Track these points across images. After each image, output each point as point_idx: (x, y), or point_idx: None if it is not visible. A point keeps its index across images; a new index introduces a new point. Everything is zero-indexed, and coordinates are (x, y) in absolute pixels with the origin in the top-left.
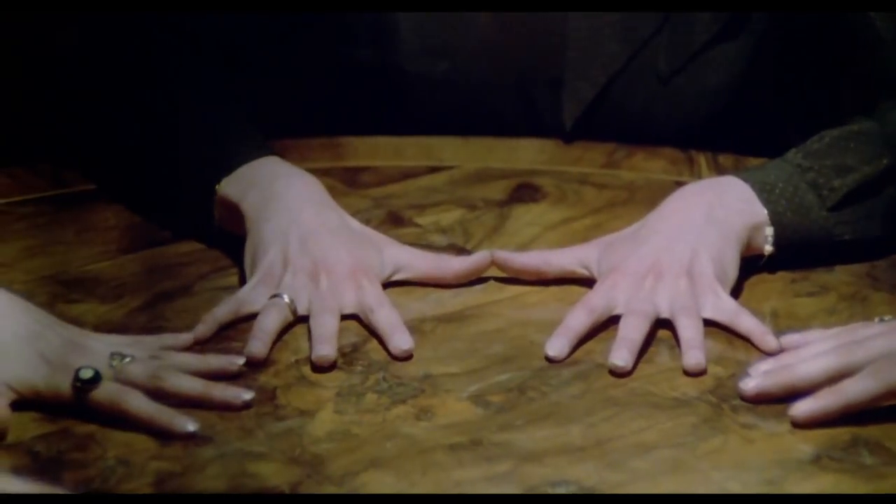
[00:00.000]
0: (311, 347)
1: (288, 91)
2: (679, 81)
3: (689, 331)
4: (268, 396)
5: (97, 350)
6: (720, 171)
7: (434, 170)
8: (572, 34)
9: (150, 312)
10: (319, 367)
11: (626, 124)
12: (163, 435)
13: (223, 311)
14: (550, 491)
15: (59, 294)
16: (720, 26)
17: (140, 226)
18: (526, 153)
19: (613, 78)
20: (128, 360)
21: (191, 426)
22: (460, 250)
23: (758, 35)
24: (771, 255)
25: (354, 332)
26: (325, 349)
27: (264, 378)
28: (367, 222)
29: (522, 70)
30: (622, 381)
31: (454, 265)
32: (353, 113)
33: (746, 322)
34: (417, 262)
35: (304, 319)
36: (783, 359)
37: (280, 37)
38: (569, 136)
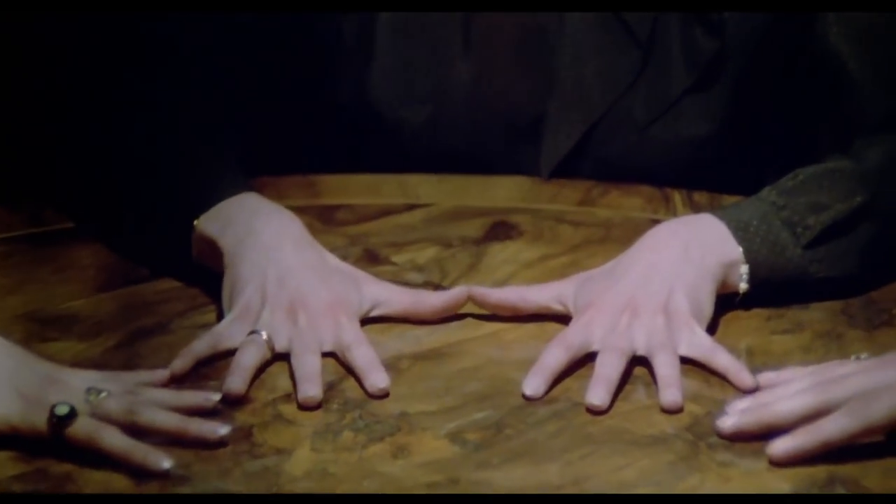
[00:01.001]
0: (295, 387)
1: (267, 129)
2: (656, 130)
3: (666, 368)
4: (244, 435)
5: (73, 385)
6: (695, 208)
7: (410, 207)
8: (552, 83)
9: (128, 350)
10: (306, 407)
11: (604, 171)
12: (139, 473)
13: (200, 346)
14: None
15: (35, 332)
16: (697, 76)
17: (117, 263)
18: (502, 191)
19: (592, 126)
20: (104, 395)
21: (166, 463)
22: (436, 288)
23: (733, 83)
24: (746, 293)
25: (331, 369)
26: (312, 389)
27: (241, 416)
28: (343, 260)
29: (503, 118)
30: (599, 418)
31: (431, 301)
32: (332, 153)
33: (722, 359)
34: (395, 298)
35: (281, 357)
36: (760, 397)
37: (262, 76)
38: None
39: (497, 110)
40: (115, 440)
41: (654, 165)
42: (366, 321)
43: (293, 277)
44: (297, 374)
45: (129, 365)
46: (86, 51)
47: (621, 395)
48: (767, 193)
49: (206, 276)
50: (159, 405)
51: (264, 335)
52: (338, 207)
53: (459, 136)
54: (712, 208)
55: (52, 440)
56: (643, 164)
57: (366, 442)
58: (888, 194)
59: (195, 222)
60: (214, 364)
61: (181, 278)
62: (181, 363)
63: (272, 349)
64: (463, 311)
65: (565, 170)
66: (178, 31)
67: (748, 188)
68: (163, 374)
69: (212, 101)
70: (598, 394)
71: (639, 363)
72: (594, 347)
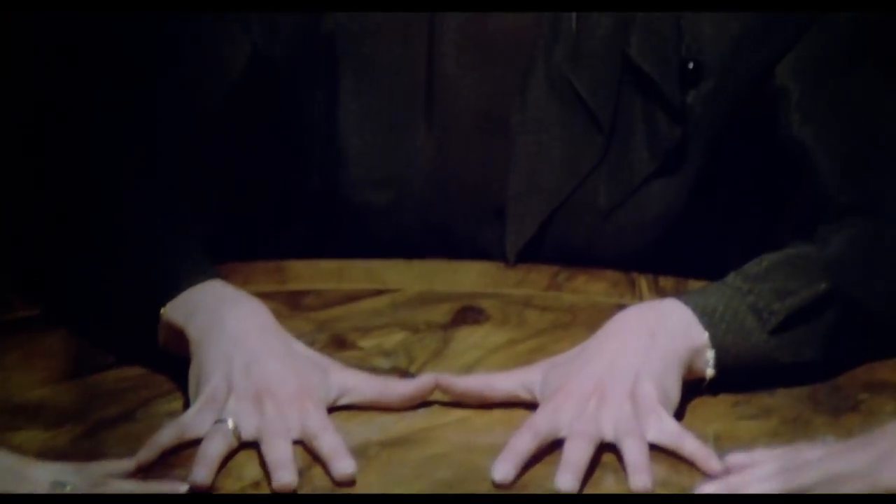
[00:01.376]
0: (266, 474)
1: (233, 214)
2: (620, 215)
3: (635, 454)
4: None
5: (39, 479)
6: (661, 293)
7: (377, 293)
8: (514, 167)
9: (93, 439)
10: (280, 494)
11: (569, 254)
12: None
13: (166, 436)
14: None
15: (2, 421)
16: (659, 162)
17: (84, 350)
18: (469, 276)
19: (555, 211)
20: (69, 488)
21: None
22: (404, 373)
23: (697, 168)
24: (713, 378)
25: (299, 457)
26: (286, 476)
27: None
28: (310, 345)
29: (466, 202)
30: None
31: (399, 390)
32: (298, 237)
33: (690, 445)
34: (362, 385)
35: (248, 445)
36: (730, 481)
37: (227, 162)
38: (513, 264)
39: (460, 193)
40: None
41: (619, 249)
42: (332, 408)
43: (259, 365)
44: (270, 461)
45: (94, 454)
46: (55, 136)
47: (590, 482)
48: (733, 279)
49: (173, 363)
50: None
51: (230, 424)
52: (305, 293)
53: (424, 219)
54: (678, 293)
55: None
56: (608, 248)
57: None
58: (852, 281)
59: (161, 311)
60: (180, 453)
61: (147, 365)
62: (146, 454)
63: (239, 438)
64: (431, 397)
65: (531, 253)
66: (144, 118)
67: (713, 271)
68: (128, 464)
69: (177, 187)
70: (566, 479)
71: (607, 450)
72: (562, 433)
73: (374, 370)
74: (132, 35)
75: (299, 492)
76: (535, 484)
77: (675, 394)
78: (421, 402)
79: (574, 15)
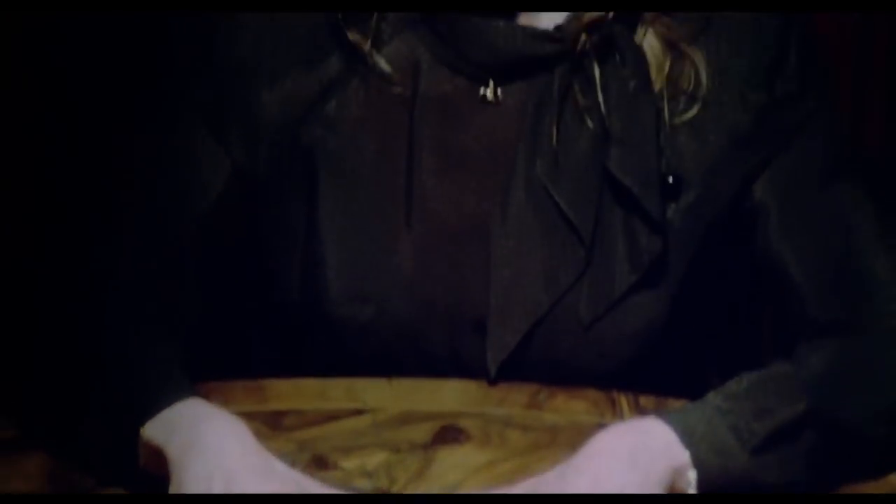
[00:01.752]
0: None
1: (211, 330)
2: (600, 328)
3: None
4: None
5: None
6: (642, 412)
7: (358, 412)
8: (495, 281)
9: None
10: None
11: (550, 368)
12: None
13: None
14: None
15: None
16: (639, 274)
17: (63, 472)
18: (450, 395)
19: (536, 323)
20: None
21: None
22: (385, 494)
23: (677, 281)
24: None
25: None
26: None
27: None
28: (292, 466)
29: (446, 316)
30: None
31: None
32: (278, 354)
33: None
34: None
35: None
36: None
37: (206, 277)
38: (493, 379)
39: (440, 306)
40: None
41: (600, 362)
42: None
43: (239, 485)
44: None
45: None
46: (35, 256)
47: None
48: (713, 397)
49: (153, 483)
50: None
51: None
52: (285, 413)
53: (404, 333)
54: (659, 412)
55: None
56: (589, 361)
57: None
58: (832, 401)
59: (141, 430)
60: None
61: (127, 486)
62: None
63: None
64: None
65: (512, 366)
66: (123, 236)
67: (694, 387)
68: None
69: (155, 305)
70: None
71: None
72: None
73: (356, 491)
74: (110, 152)
75: None
76: None
77: None
78: None
79: (555, 127)
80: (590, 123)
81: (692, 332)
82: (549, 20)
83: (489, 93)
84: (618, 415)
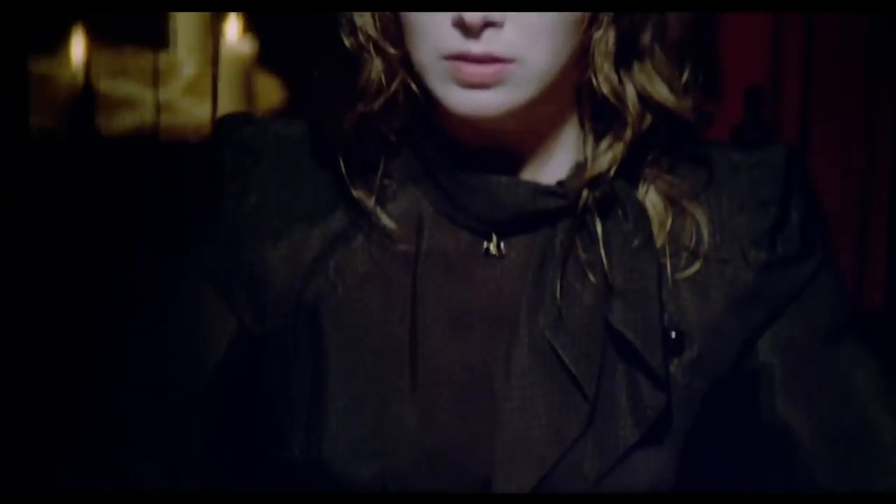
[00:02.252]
0: None
1: (212, 486)
2: (607, 483)
3: None
4: None
5: None
6: None
7: None
8: (500, 437)
9: None
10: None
11: None
12: None
13: None
14: None
15: None
16: (644, 430)
17: None
18: None
19: (542, 480)
20: None
21: None
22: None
23: (681, 437)
24: None
25: None
26: None
27: None
28: None
29: (453, 472)
30: None
31: None
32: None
33: None
34: None
35: None
36: None
37: (210, 433)
38: None
39: (446, 462)
40: None
41: None
42: None
43: None
44: None
45: None
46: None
47: None
48: None
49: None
50: None
51: None
52: None
53: (409, 490)
54: None
55: None
56: None
57: None
58: None
59: None
60: None
61: None
62: None
63: None
64: None
65: None
66: (125, 391)
67: None
68: None
69: (156, 460)
70: None
71: None
72: None
73: None
74: (116, 312)
75: None
76: None
77: None
78: None
79: (558, 282)
80: (592, 278)
81: (698, 486)
82: (551, 175)
83: (492, 247)
84: None
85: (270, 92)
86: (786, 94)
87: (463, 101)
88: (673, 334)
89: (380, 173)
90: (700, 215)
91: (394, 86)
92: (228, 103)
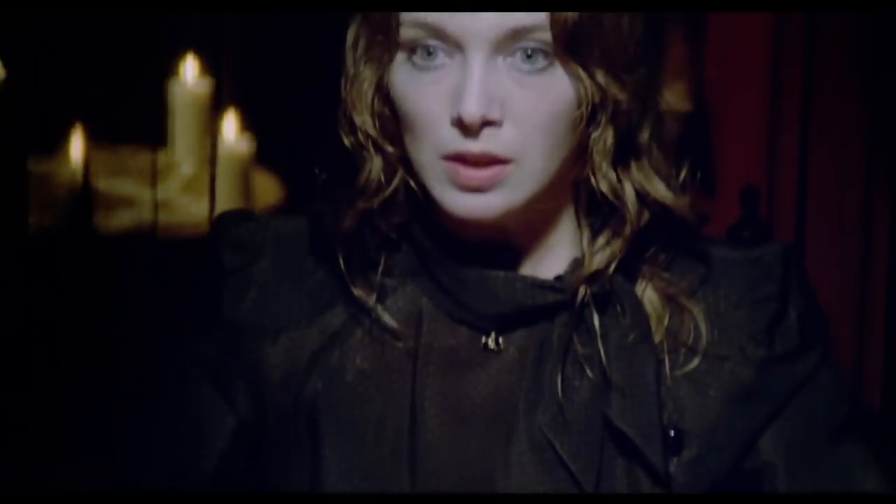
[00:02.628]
0: None
1: None
2: None
3: None
4: None
5: None
6: None
7: None
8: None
9: None
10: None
11: None
12: None
13: None
14: None
15: None
16: None
17: None
18: None
19: None
20: None
21: None
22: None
23: None
24: None
25: None
26: None
27: None
28: None
29: None
30: None
31: None
32: None
33: None
34: None
35: None
36: None
37: None
38: None
39: None
40: None
41: None
42: None
43: None
44: None
45: None
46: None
47: None
48: None
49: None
50: None
51: None
52: None
53: None
54: None
55: None
56: None
57: None
58: None
59: None
60: None
61: None
62: None
63: None
64: None
65: None
66: (129, 487)
67: None
68: None
69: None
70: None
71: None
72: None
73: None
74: (117, 410)
75: None
76: None
77: None
78: None
79: (557, 377)
80: (590, 373)
81: None
82: (549, 270)
83: (491, 342)
84: None
85: (268, 190)
86: (781, 191)
87: (461, 203)
88: (672, 432)
89: (380, 271)
90: (698, 312)
91: (393, 184)
92: (226, 201)
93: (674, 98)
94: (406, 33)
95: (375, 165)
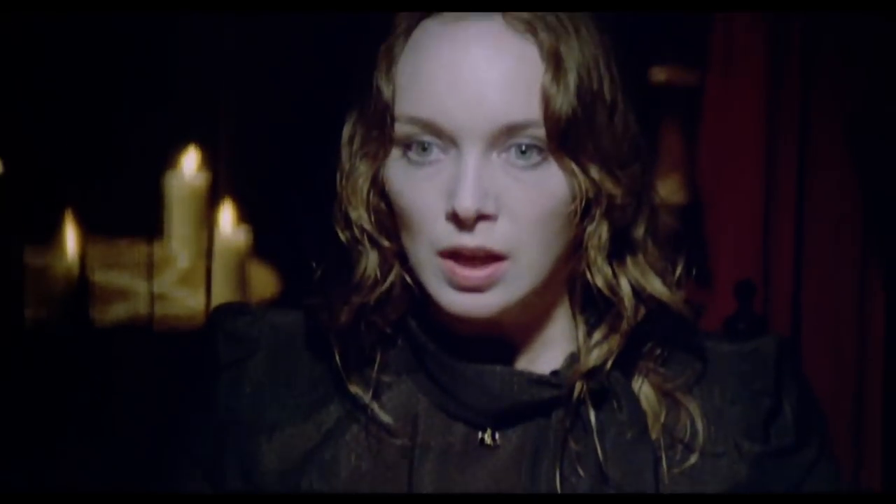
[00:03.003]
0: None
1: None
2: None
3: None
4: None
5: None
6: None
7: None
8: None
9: None
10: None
11: None
12: None
13: None
14: None
15: None
16: None
17: None
18: None
19: None
20: None
21: None
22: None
23: None
24: None
25: None
26: None
27: None
28: None
29: None
30: None
31: None
32: None
33: None
34: None
35: None
36: None
37: None
38: None
39: None
40: None
41: None
42: None
43: None
44: None
45: None
46: None
47: None
48: None
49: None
50: None
51: None
52: None
53: None
54: None
55: None
56: None
57: None
58: None
59: None
60: None
61: None
62: None
63: None
64: None
65: None
66: None
67: None
68: None
69: None
70: None
71: None
72: None
73: None
74: None
75: None
76: None
77: None
78: None
79: (555, 473)
80: (587, 469)
81: None
82: (545, 365)
83: (487, 437)
84: None
85: (264, 283)
86: (777, 282)
87: (458, 302)
88: None
89: (376, 367)
90: (694, 408)
91: (389, 279)
92: (223, 294)
93: (668, 191)
94: (401, 129)
95: (371, 260)
